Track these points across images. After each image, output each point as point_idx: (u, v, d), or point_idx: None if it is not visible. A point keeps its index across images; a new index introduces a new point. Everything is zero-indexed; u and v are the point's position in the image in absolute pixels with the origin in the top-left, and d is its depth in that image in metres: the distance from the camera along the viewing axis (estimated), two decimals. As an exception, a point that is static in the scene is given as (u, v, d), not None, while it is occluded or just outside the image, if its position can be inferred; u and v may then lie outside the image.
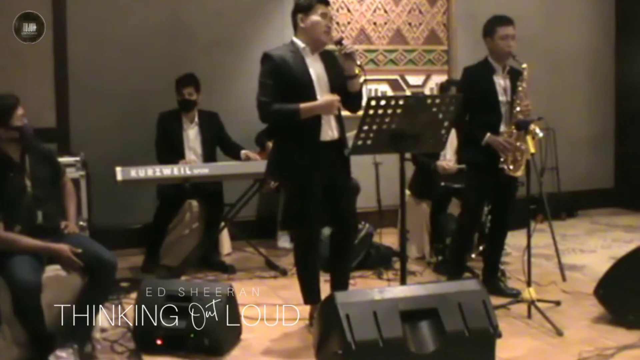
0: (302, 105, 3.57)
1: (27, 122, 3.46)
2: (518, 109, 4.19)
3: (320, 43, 3.72)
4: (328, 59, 3.79)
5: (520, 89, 4.21)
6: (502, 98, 4.26)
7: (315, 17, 3.66)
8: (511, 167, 4.21)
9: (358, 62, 3.67)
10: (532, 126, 4.00)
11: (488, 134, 4.21)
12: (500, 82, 4.29)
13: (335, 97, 3.63)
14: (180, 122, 5.28)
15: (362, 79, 3.73)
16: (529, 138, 3.97)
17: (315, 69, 3.71)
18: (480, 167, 4.31)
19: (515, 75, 4.29)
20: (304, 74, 3.66)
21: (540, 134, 3.96)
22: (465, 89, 4.31)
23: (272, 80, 3.61)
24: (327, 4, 3.72)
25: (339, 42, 3.69)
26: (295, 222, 3.86)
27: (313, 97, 3.63)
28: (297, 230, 3.88)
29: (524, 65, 4.20)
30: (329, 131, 3.70)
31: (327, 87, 3.70)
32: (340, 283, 3.86)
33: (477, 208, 4.49)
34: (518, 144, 4.17)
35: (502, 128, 4.26)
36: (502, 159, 4.20)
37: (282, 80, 3.61)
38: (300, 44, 3.72)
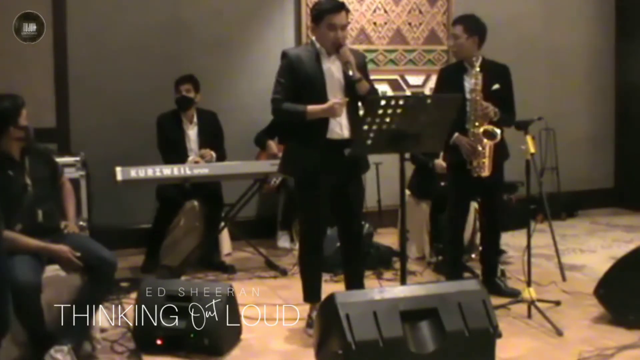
0: (309, 107, 3.62)
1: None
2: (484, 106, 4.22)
3: (331, 51, 3.72)
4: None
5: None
6: (468, 96, 4.26)
7: (322, 30, 3.68)
8: (475, 167, 4.22)
9: (350, 73, 3.62)
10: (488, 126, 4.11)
11: (456, 134, 4.22)
12: (472, 80, 4.27)
13: (337, 101, 3.61)
14: (180, 122, 5.26)
15: (363, 83, 3.68)
16: (528, 138, 3.98)
17: (331, 70, 3.72)
18: (458, 166, 4.32)
19: (496, 70, 4.32)
20: (317, 73, 3.69)
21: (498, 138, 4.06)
22: (437, 88, 4.48)
23: (285, 78, 3.69)
24: (337, 11, 3.66)
25: (337, 50, 3.68)
26: (300, 218, 3.87)
27: (323, 97, 3.66)
28: (302, 228, 3.90)
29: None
30: (338, 130, 3.70)
31: (341, 88, 3.72)
32: (354, 285, 3.86)
33: (460, 207, 4.48)
34: (479, 147, 4.18)
35: (467, 126, 4.27)
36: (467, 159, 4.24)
37: (295, 79, 3.67)
38: (317, 44, 3.76)
